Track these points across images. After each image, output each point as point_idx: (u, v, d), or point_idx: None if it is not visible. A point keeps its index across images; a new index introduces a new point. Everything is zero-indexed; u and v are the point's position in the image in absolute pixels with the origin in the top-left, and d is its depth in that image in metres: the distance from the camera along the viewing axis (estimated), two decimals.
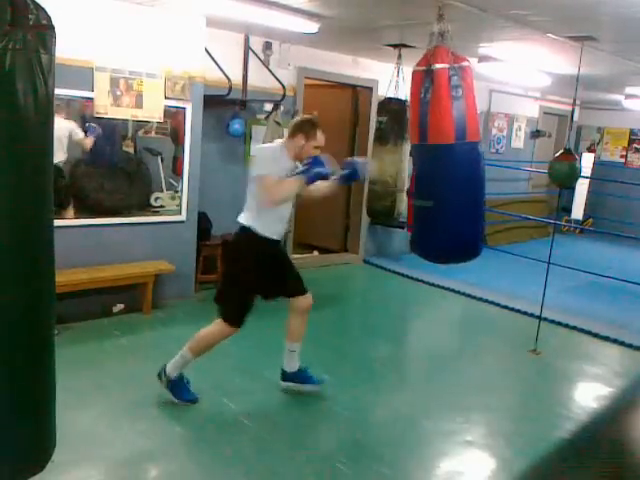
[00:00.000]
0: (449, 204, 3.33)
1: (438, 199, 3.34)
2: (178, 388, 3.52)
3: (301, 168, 3.25)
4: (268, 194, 3.20)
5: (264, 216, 3.31)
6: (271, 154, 3.30)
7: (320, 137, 3.34)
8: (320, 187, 3.43)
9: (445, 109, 3.21)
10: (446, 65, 3.23)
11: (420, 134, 3.33)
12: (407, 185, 5.77)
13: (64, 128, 4.42)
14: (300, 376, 3.73)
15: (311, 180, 3.19)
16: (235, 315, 3.37)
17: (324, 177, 3.24)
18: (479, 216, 3.48)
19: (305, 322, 3.64)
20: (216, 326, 3.41)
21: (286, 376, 3.75)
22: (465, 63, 3.26)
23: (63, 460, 2.58)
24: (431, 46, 3.33)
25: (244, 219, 3.36)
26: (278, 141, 3.44)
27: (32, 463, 1.83)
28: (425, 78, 3.28)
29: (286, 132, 3.52)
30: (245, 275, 3.36)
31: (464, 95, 3.21)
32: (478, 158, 3.35)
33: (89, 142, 4.59)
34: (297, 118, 3.51)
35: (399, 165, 5.60)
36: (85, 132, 4.56)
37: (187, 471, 2.99)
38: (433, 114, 3.24)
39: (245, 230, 3.34)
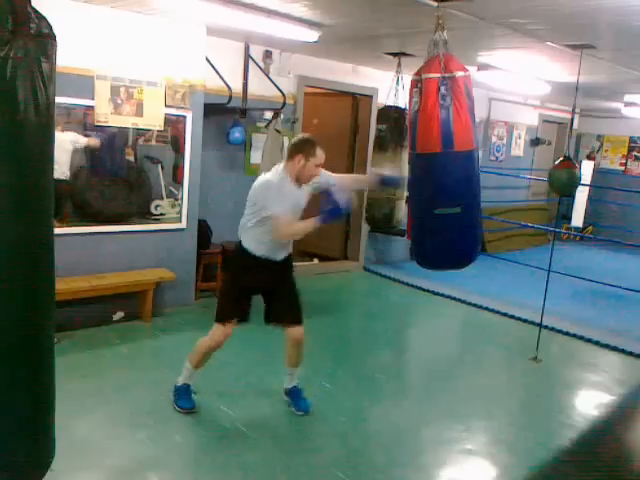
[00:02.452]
0: (471, 209, 3.39)
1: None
2: (179, 394, 3.56)
3: (322, 207, 3.24)
4: (282, 233, 3.25)
5: (258, 236, 3.34)
6: (276, 188, 3.25)
7: (320, 154, 3.31)
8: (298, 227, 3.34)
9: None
10: (464, 73, 3.27)
11: (443, 141, 3.34)
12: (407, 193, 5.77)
13: (67, 141, 4.43)
14: (291, 394, 3.72)
15: (326, 222, 3.21)
16: (222, 315, 3.43)
17: (340, 215, 3.26)
18: (473, 224, 3.50)
19: (299, 352, 3.58)
20: (209, 332, 3.46)
21: (285, 392, 3.77)
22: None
23: (62, 469, 2.58)
24: (431, 54, 3.36)
25: (240, 236, 3.44)
26: (279, 166, 3.41)
27: (31, 472, 1.82)
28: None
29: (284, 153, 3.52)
30: (232, 288, 3.47)
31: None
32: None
33: (94, 141, 4.62)
34: (294, 139, 3.48)
35: (398, 173, 5.61)
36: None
37: None
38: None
39: (239, 245, 3.43)
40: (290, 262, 3.56)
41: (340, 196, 3.22)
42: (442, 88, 3.24)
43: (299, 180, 3.32)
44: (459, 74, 3.27)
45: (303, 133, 3.54)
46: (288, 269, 3.56)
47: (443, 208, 3.40)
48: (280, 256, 3.43)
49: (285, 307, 3.52)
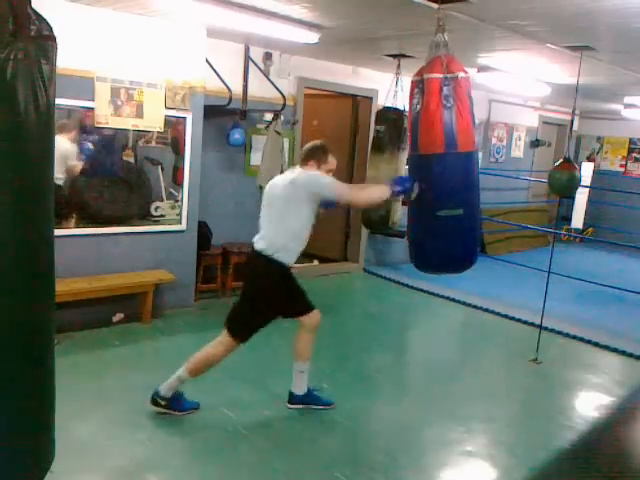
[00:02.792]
0: (473, 211, 3.40)
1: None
2: (178, 403, 3.52)
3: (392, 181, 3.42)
4: (355, 196, 3.44)
5: (292, 244, 3.36)
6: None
7: (332, 161, 3.49)
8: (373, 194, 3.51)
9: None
10: (464, 74, 3.27)
11: (447, 142, 3.34)
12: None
13: (61, 149, 4.41)
14: (310, 398, 3.70)
15: (396, 194, 3.37)
16: (246, 334, 3.46)
17: (406, 193, 3.38)
18: (474, 226, 3.51)
19: (314, 340, 3.62)
20: (220, 346, 3.43)
21: (294, 398, 3.69)
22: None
23: (62, 470, 2.58)
24: (432, 56, 3.35)
25: (269, 247, 3.36)
26: (289, 171, 3.53)
27: (31, 473, 1.82)
28: (445, 86, 3.29)
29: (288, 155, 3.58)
30: (271, 305, 3.44)
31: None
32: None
33: (78, 169, 4.62)
34: (308, 145, 3.56)
35: (395, 174, 5.61)
36: (81, 149, 4.59)
37: None
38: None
39: (271, 261, 3.35)
40: None
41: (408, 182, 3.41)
42: (445, 89, 3.23)
43: None
44: (461, 75, 3.27)
45: (317, 139, 3.64)
46: None
47: (446, 210, 3.40)
48: None
49: (300, 297, 3.57)
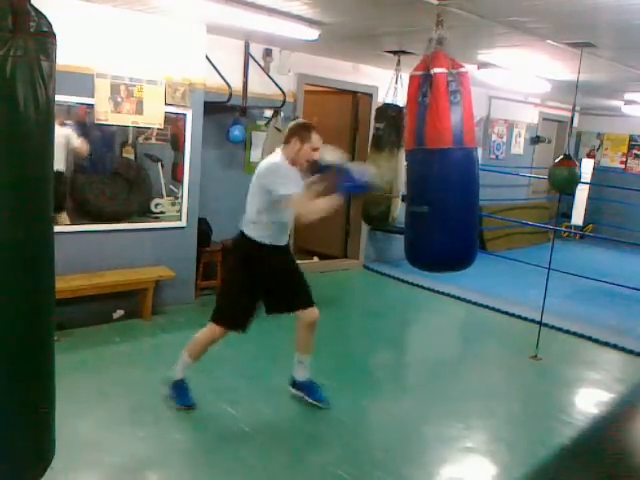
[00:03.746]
0: (445, 210, 3.34)
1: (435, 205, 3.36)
2: (177, 390, 3.53)
3: (339, 181, 3.16)
4: (304, 213, 3.17)
5: (262, 224, 3.33)
6: (282, 170, 3.25)
7: (315, 139, 3.33)
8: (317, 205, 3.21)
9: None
10: (445, 70, 3.24)
11: (416, 138, 3.31)
12: (402, 191, 5.79)
13: (61, 135, 4.42)
14: (307, 387, 3.71)
15: (347, 195, 3.18)
16: (224, 317, 3.41)
17: (360, 190, 3.21)
18: (474, 223, 3.48)
19: (312, 336, 3.61)
20: (207, 328, 3.44)
21: (295, 384, 3.74)
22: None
23: (62, 467, 2.58)
24: (429, 51, 3.34)
25: (243, 225, 3.41)
26: (277, 152, 3.42)
27: (31, 470, 1.82)
28: (423, 82, 3.28)
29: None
30: (236, 278, 3.42)
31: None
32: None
33: (85, 148, 4.61)
34: (291, 123, 3.51)
35: (395, 171, 5.62)
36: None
37: (186, 479, 2.98)
38: (431, 118, 3.27)
39: (242, 235, 3.40)
40: (289, 245, 3.60)
41: (358, 173, 3.16)
42: (424, 85, 3.23)
43: (294, 164, 3.32)
44: (438, 70, 3.22)
45: (307, 120, 3.54)
46: (289, 252, 3.60)
47: (414, 206, 3.38)
48: (284, 241, 3.47)
49: (297, 292, 3.52)
